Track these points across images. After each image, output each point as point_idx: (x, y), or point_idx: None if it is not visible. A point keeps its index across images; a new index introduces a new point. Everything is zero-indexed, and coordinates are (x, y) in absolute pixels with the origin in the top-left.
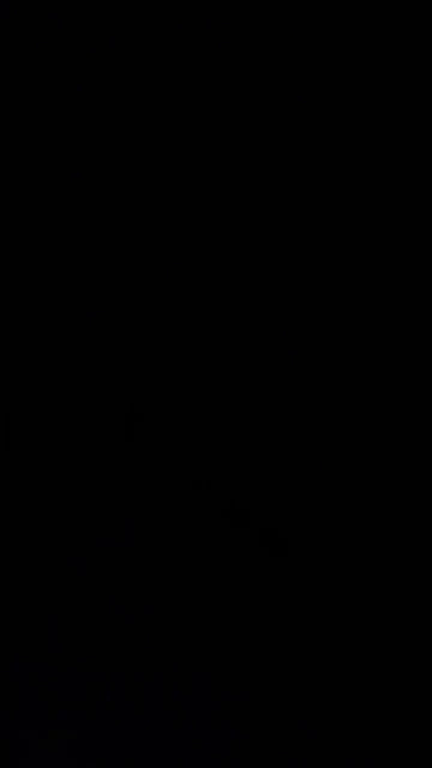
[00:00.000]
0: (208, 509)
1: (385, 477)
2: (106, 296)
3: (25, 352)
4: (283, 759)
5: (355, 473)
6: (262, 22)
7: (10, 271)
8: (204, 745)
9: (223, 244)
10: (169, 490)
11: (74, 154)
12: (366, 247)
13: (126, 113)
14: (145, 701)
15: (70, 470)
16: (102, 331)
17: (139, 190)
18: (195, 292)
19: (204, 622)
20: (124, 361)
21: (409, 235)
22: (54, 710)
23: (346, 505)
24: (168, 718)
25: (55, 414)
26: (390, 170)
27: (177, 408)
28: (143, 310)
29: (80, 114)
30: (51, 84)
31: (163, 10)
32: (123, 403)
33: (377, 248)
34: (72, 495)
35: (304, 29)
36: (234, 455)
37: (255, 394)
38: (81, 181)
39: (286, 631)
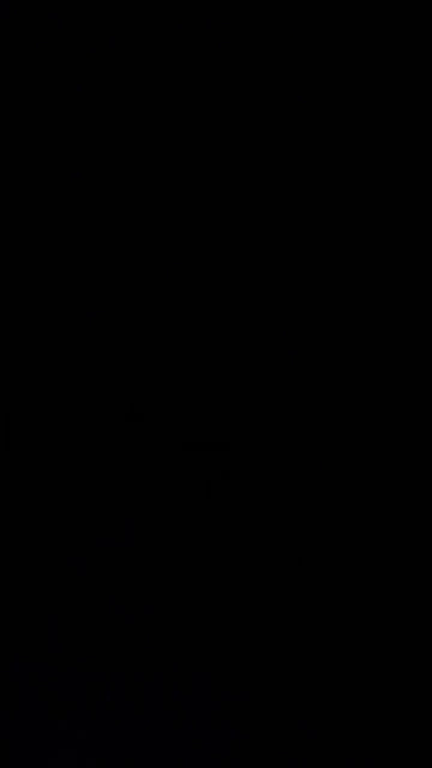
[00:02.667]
0: (208, 509)
1: (387, 484)
2: (106, 296)
3: (24, 352)
4: (283, 759)
5: (360, 480)
6: (262, 23)
7: (10, 271)
8: (204, 745)
9: (222, 244)
10: (169, 490)
11: (74, 154)
12: (366, 247)
13: (126, 113)
14: (145, 701)
15: (70, 470)
16: (102, 331)
17: (139, 190)
18: (194, 292)
19: (204, 622)
20: (124, 360)
21: (409, 236)
22: (54, 710)
23: (348, 514)
24: (168, 718)
25: (55, 414)
26: (390, 170)
27: (177, 408)
28: (143, 309)
29: (80, 114)
30: (51, 84)
31: (163, 10)
32: (123, 403)
33: (377, 248)
34: (72, 495)
35: (304, 29)
36: (235, 455)
37: (257, 394)
38: (81, 181)
39: (288, 632)
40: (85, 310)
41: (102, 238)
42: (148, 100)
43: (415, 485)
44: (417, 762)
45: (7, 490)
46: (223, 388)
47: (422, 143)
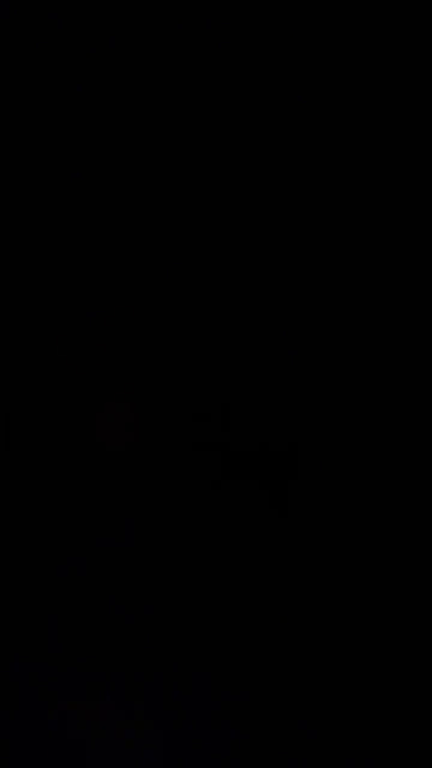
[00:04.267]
0: (209, 509)
1: (389, 481)
2: (106, 296)
3: (25, 352)
4: (283, 759)
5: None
6: (262, 22)
7: (10, 271)
8: (204, 745)
9: (221, 244)
10: (170, 490)
11: (74, 154)
12: (365, 246)
13: (126, 113)
14: (145, 701)
15: (70, 470)
16: (102, 331)
17: (139, 190)
18: (194, 292)
19: (204, 622)
20: (124, 360)
21: (409, 236)
22: (54, 710)
23: (348, 514)
24: (168, 718)
25: (55, 414)
26: (390, 171)
27: (178, 408)
28: (143, 309)
29: (80, 114)
30: (51, 84)
31: (163, 10)
32: (123, 403)
33: (377, 247)
34: (72, 494)
35: (304, 30)
36: (235, 455)
37: (257, 395)
38: (81, 181)
39: (287, 632)
40: (85, 310)
41: (101, 237)
42: (148, 99)
43: (414, 485)
44: (417, 762)
45: (8, 490)
46: (223, 388)
47: (422, 143)
